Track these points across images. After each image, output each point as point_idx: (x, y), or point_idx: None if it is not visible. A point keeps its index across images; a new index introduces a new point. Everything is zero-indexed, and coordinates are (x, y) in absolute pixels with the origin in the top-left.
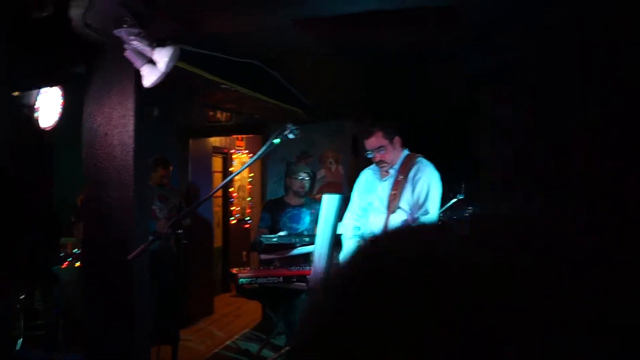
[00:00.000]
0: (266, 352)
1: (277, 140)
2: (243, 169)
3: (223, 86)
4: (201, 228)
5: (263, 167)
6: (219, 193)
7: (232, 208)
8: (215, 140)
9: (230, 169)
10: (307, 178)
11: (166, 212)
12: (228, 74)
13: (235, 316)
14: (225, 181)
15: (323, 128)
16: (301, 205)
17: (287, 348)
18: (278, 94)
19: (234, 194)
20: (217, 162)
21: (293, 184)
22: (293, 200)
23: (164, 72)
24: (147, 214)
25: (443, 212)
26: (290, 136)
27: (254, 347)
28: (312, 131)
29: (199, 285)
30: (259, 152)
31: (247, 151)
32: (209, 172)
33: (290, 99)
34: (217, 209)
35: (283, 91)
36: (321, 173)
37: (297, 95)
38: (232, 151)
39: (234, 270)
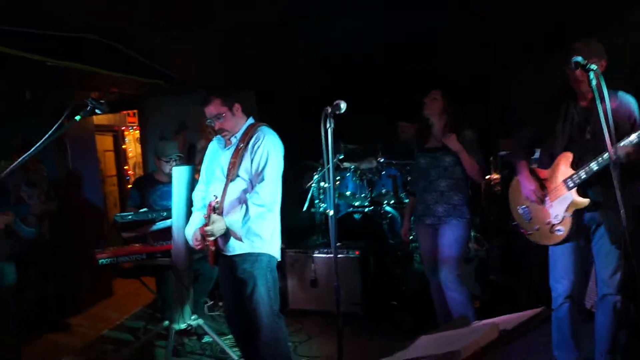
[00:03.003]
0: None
1: (78, 117)
2: (30, 152)
3: (49, 64)
4: (89, 210)
5: (143, 141)
6: (113, 172)
7: (128, 186)
8: (103, 118)
9: (122, 147)
10: (177, 159)
11: (36, 196)
12: (56, 51)
13: (135, 296)
14: (12, 167)
15: (199, 98)
16: (171, 182)
17: (165, 322)
18: (131, 67)
19: (129, 172)
20: (107, 141)
21: (163, 167)
22: (163, 177)
23: None
24: None
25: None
26: (98, 111)
27: (141, 325)
28: (187, 102)
29: (93, 268)
30: (50, 132)
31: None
32: (93, 152)
33: (149, 71)
34: (113, 188)
35: (138, 65)
36: (201, 143)
37: (154, 68)
38: (122, 128)
39: (96, 252)
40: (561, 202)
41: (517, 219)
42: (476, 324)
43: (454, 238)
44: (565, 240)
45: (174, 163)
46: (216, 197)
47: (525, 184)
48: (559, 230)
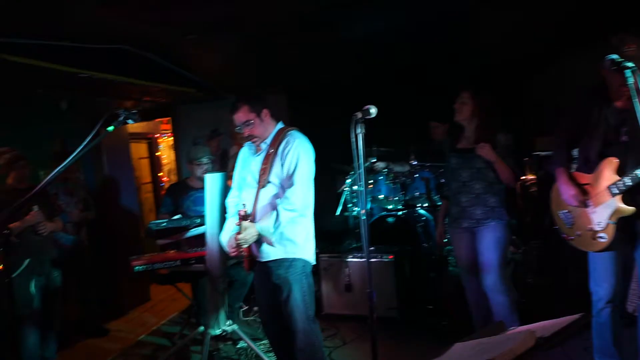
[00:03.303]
0: (188, 333)
1: (111, 128)
2: (68, 163)
3: (81, 75)
4: (125, 217)
5: (177, 148)
6: (148, 179)
7: (163, 193)
8: (137, 127)
9: (157, 154)
10: (209, 162)
11: (74, 204)
12: (90, 63)
13: (172, 301)
14: (51, 176)
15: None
16: (204, 187)
17: (200, 328)
18: (162, 76)
19: (164, 178)
20: (141, 148)
21: (195, 170)
22: (196, 182)
23: None
24: None
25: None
26: (130, 121)
27: (177, 330)
28: (220, 108)
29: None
30: (85, 142)
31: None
32: (127, 160)
33: (181, 79)
34: (148, 194)
35: (170, 73)
36: (233, 149)
37: (185, 75)
38: (156, 135)
39: (131, 259)
40: (605, 208)
41: (558, 224)
42: (512, 331)
43: (495, 240)
44: (607, 249)
45: (206, 166)
46: (244, 206)
47: (565, 190)
48: (601, 237)
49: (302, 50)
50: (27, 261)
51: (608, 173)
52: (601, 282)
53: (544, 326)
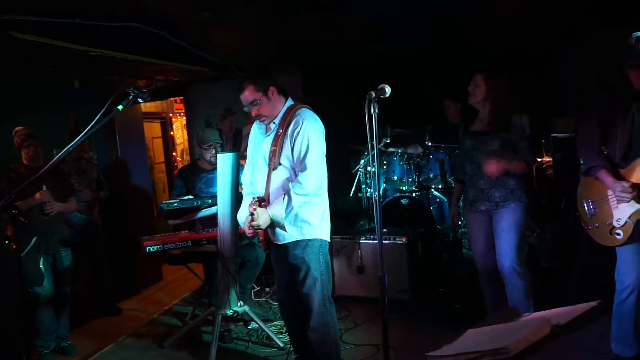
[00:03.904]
0: (200, 313)
1: (120, 107)
2: (78, 141)
3: (93, 53)
4: (138, 197)
5: (190, 128)
6: (161, 158)
7: (176, 173)
8: (151, 106)
9: (170, 133)
10: (217, 145)
11: (86, 184)
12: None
13: (184, 280)
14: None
15: None
16: (216, 169)
17: (212, 308)
18: (174, 55)
19: (177, 158)
20: (155, 128)
21: (205, 154)
22: (207, 164)
23: None
24: None
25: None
26: (140, 100)
27: (189, 310)
28: (233, 87)
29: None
30: (94, 121)
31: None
32: (141, 140)
33: (195, 58)
34: (161, 174)
35: (183, 52)
36: (247, 129)
37: (199, 54)
38: (170, 115)
39: (143, 239)
40: (627, 207)
41: (580, 211)
42: (526, 318)
43: (514, 222)
44: (622, 245)
45: (214, 150)
46: (257, 197)
47: (615, 184)
48: (617, 233)
49: (317, 29)
50: (34, 239)
51: (638, 172)
52: (627, 271)
53: (560, 313)
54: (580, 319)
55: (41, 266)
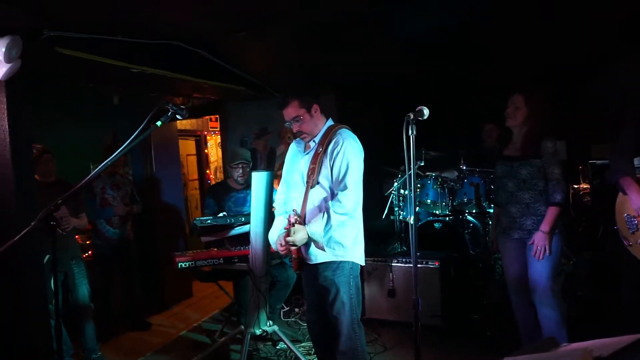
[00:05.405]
0: (229, 331)
1: (159, 123)
2: (115, 156)
3: (133, 70)
4: (171, 213)
5: (224, 146)
6: (195, 175)
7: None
8: (186, 123)
9: (205, 151)
10: (245, 165)
11: (119, 199)
12: (142, 58)
13: (215, 298)
14: (96, 170)
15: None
16: (245, 188)
17: (241, 327)
18: (212, 73)
19: (211, 176)
20: (189, 145)
21: (233, 173)
22: (235, 183)
23: (8, 63)
24: (30, 207)
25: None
26: (178, 117)
27: (218, 327)
28: (269, 107)
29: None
30: (132, 137)
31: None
32: (176, 157)
33: (231, 77)
34: (194, 191)
35: (220, 71)
36: (280, 149)
37: (236, 73)
38: (205, 133)
39: (175, 255)
40: None
41: (620, 226)
42: (565, 348)
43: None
44: None
45: (241, 170)
46: (295, 211)
47: (636, 198)
48: None
49: (352, 49)
50: (47, 257)
51: None
52: None
53: (602, 344)
54: (625, 351)
55: (51, 284)
